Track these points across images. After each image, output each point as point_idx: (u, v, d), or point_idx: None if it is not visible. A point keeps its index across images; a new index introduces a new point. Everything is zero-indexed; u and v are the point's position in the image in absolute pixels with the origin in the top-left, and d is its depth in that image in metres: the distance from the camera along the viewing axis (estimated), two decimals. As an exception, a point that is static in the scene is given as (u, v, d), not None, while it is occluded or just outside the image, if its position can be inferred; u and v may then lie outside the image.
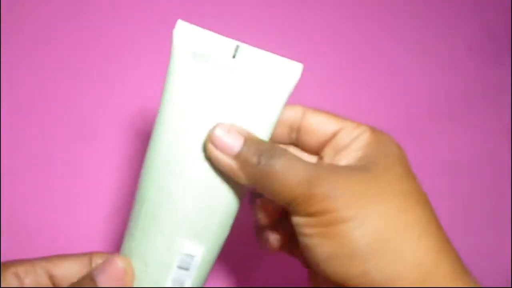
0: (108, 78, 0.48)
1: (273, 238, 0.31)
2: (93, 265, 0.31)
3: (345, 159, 0.28)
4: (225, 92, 0.27)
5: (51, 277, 0.30)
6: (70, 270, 0.30)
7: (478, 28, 0.61)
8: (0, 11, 0.48)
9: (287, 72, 0.29)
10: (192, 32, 0.28)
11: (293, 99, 0.44)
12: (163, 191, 0.28)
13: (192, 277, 0.29)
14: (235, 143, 0.26)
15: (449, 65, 0.59)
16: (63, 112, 0.47)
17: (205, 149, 0.27)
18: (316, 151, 0.30)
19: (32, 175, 0.44)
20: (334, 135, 0.29)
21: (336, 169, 0.26)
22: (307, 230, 0.25)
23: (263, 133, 0.28)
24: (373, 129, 0.29)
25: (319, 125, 0.30)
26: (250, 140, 0.27)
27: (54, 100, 0.47)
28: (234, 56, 0.27)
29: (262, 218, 0.30)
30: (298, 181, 0.25)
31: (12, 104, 0.46)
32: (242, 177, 0.26)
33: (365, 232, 0.24)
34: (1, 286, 0.28)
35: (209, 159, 0.27)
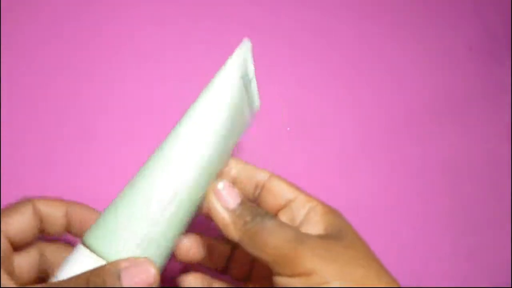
0: (108, 78, 0.49)
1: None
2: (41, 212, 0.31)
3: (313, 231, 0.31)
4: (240, 116, 0.32)
5: (8, 238, 0.29)
6: (19, 226, 0.30)
7: (478, 28, 0.61)
8: (0, 11, 0.48)
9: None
10: (246, 55, 0.32)
11: (296, 99, 0.44)
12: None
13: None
14: (234, 200, 0.29)
15: (449, 65, 0.59)
16: (63, 112, 0.47)
17: (206, 198, 0.30)
18: (273, 212, 0.34)
19: (32, 175, 0.44)
20: (288, 203, 0.33)
21: (316, 236, 0.29)
22: None
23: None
24: (323, 203, 0.32)
25: (279, 189, 0.33)
26: (246, 202, 0.30)
27: (54, 100, 0.47)
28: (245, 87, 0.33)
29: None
30: (287, 239, 0.27)
31: (12, 104, 0.46)
32: (232, 231, 0.29)
33: None
34: None
35: (208, 207, 0.29)
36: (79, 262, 0.28)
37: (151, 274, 0.27)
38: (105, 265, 0.27)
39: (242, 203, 0.29)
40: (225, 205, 0.28)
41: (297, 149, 0.51)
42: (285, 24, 0.55)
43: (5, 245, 0.29)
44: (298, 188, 0.33)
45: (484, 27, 0.61)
